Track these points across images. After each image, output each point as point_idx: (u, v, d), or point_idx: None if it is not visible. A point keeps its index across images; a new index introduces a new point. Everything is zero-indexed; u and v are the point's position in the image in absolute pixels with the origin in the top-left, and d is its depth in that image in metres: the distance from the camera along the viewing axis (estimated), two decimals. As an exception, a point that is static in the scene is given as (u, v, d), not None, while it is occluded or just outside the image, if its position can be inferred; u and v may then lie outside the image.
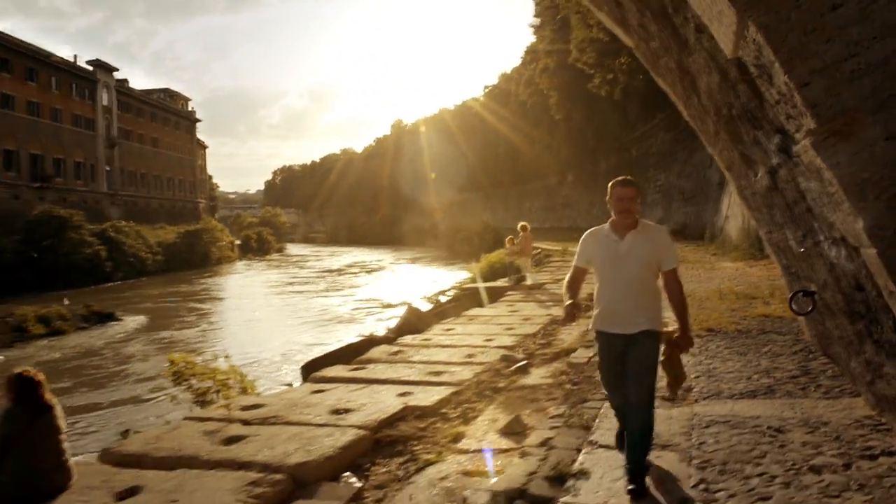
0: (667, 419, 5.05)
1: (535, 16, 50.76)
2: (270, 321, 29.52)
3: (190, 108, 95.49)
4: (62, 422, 4.72)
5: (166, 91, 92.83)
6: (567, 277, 4.38)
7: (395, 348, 9.56)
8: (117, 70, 72.37)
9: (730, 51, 3.01)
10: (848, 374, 5.24)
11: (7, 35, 55.82)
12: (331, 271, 55.82)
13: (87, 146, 65.96)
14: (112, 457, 5.18)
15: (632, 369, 4.03)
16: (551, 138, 54.40)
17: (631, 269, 4.04)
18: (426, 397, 6.58)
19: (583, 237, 4.34)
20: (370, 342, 11.27)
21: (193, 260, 62.69)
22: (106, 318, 29.25)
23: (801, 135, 2.86)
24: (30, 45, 58.96)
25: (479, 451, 4.94)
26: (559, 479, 4.20)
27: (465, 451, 4.96)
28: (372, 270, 55.02)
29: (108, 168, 68.69)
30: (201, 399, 9.45)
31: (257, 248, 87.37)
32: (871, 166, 2.52)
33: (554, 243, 32.22)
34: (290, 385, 11.29)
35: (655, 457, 4.26)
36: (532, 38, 53.64)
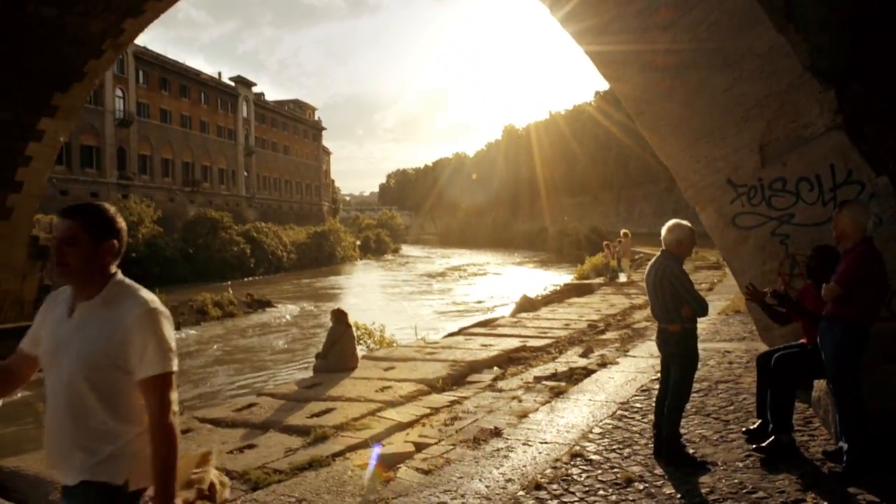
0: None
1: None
2: (399, 311, 34.06)
3: (316, 118, 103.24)
4: (356, 334, 9.23)
5: (296, 102, 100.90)
6: None
7: (515, 319, 13.83)
8: (255, 84, 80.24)
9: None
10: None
11: (165, 58, 63.91)
12: (440, 273, 59.86)
13: (229, 154, 73.91)
14: (369, 357, 9.65)
15: None
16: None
17: (68, 367, 2.31)
18: (536, 343, 10.77)
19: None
20: (495, 319, 15.54)
21: (321, 258, 68.76)
22: (265, 304, 34.78)
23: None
24: (182, 64, 67.07)
25: (567, 361, 9.09)
26: (603, 365, 8.32)
27: (560, 361, 9.10)
28: (481, 273, 58.70)
29: (245, 174, 76.58)
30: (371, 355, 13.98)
31: (375, 248, 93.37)
32: (711, 225, 6.53)
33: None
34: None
35: (653, 364, 8.28)
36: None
